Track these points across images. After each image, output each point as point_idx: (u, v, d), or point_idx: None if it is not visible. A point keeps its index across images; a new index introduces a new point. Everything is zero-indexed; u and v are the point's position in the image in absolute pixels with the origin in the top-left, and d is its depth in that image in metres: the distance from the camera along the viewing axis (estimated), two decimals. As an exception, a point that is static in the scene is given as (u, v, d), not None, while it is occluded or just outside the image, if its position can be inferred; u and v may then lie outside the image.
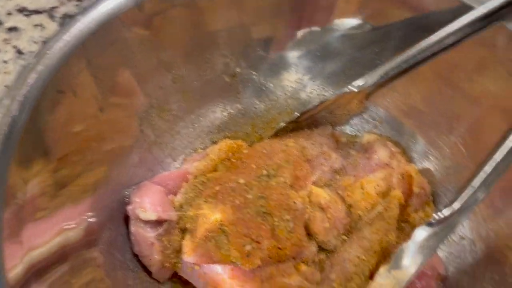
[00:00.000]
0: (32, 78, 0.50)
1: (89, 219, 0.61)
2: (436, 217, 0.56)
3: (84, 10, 0.57)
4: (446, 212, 0.55)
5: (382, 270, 0.60)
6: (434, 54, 0.63)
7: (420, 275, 0.63)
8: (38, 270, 0.51)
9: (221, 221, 0.63)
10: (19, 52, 0.97)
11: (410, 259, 0.59)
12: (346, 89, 0.69)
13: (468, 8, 0.61)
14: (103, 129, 0.62)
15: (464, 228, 0.68)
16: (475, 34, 0.59)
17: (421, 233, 0.58)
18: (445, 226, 0.56)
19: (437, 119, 0.72)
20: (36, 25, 0.98)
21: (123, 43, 0.61)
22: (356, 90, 0.67)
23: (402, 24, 0.70)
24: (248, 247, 0.60)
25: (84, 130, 0.59)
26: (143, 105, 0.69)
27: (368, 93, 0.72)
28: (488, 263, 0.63)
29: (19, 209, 0.48)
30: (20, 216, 0.49)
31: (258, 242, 0.61)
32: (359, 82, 0.68)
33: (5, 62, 0.95)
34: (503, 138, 0.52)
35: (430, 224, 0.57)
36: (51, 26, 0.98)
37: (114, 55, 0.60)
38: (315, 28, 0.76)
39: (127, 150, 0.68)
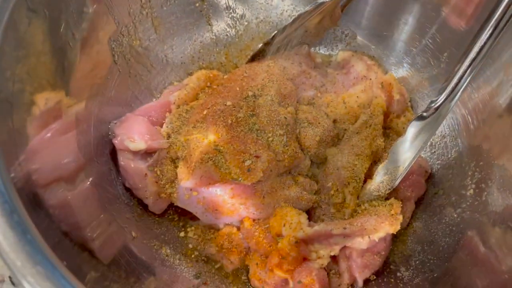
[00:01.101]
0: (-1, -9, 0.44)
1: (76, 156, 0.58)
2: (428, 107, 0.58)
3: None
4: (438, 99, 0.56)
5: (380, 168, 0.62)
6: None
7: (409, 173, 0.65)
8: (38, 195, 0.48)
9: (215, 141, 0.61)
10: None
11: (404, 154, 0.61)
12: None
13: None
14: (77, 57, 0.58)
15: (444, 127, 0.71)
16: None
17: (413, 127, 0.59)
18: (436, 116, 0.58)
19: (408, 26, 0.73)
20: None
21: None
22: (333, -2, 0.67)
23: None
24: (248, 162, 0.59)
25: (58, 55, 0.54)
26: (114, 33, 0.65)
27: (342, 5, 0.72)
28: (472, 153, 0.66)
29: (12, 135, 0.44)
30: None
31: (257, 156, 0.60)
32: (336, -9, 0.67)
33: None
34: (486, 20, 0.53)
35: (421, 117, 0.59)
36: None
37: (80, -27, 0.55)
38: None
39: (103, 81, 0.64)
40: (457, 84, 0.56)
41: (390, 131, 0.74)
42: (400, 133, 0.73)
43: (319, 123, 0.69)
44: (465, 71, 0.55)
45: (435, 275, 0.60)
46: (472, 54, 0.55)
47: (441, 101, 0.57)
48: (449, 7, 0.68)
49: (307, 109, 0.71)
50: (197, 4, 0.75)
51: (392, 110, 0.73)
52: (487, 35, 0.54)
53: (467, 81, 0.55)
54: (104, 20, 0.62)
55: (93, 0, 0.59)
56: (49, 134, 0.52)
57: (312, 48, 0.81)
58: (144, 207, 0.65)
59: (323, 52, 0.82)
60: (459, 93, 0.56)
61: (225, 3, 0.77)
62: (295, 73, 0.74)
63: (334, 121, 0.73)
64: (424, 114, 0.59)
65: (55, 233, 0.47)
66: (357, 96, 0.75)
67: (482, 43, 0.54)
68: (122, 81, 0.68)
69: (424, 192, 0.70)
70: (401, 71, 0.78)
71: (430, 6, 0.70)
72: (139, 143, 0.61)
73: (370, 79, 0.76)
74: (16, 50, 0.47)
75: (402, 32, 0.74)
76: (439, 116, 0.58)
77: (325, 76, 0.78)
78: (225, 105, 0.65)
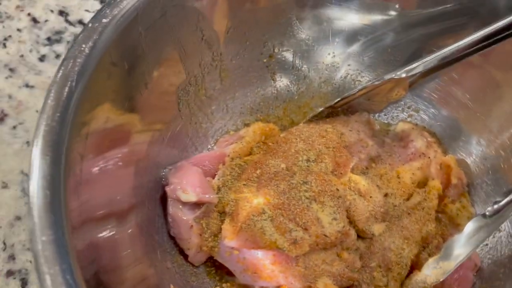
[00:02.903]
0: (88, 47, 0.46)
1: (129, 196, 0.59)
2: (491, 208, 0.55)
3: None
4: (503, 202, 0.54)
5: (431, 261, 0.60)
6: (488, 46, 0.61)
7: (458, 267, 0.63)
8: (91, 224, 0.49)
9: (264, 204, 0.61)
10: (34, 20, 0.93)
11: (458, 250, 0.58)
12: (391, 75, 0.68)
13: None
14: (146, 105, 0.60)
15: (501, 221, 0.68)
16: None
17: (473, 225, 0.57)
18: (497, 218, 0.56)
19: (481, 116, 0.71)
20: (53, -9, 0.93)
21: (172, 16, 0.58)
22: (404, 75, 0.66)
23: (451, 7, 0.68)
24: (295, 233, 0.59)
25: (129, 105, 0.56)
26: (183, 83, 0.66)
27: (411, 81, 0.71)
28: (528, 256, 0.63)
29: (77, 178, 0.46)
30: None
31: (305, 229, 0.59)
32: (406, 68, 0.66)
33: (19, 30, 0.90)
34: None
35: (483, 215, 0.56)
36: (70, -7, 0.94)
37: (162, 28, 0.57)
38: (357, 9, 0.74)
39: (165, 128, 0.66)
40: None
41: (443, 215, 0.71)
42: (453, 220, 0.70)
43: (370, 196, 0.68)
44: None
45: None
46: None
47: (504, 204, 0.54)
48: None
49: (360, 180, 0.70)
50: (265, 60, 0.76)
51: (447, 195, 0.71)
52: None
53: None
54: (175, 70, 0.64)
55: (169, 51, 0.62)
56: (110, 163, 0.54)
57: (372, 114, 0.81)
58: (185, 256, 0.65)
59: (382, 120, 0.81)
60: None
61: (292, 61, 0.78)
62: (352, 141, 0.73)
63: (386, 195, 0.71)
64: (486, 213, 0.56)
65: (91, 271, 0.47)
66: (413, 173, 0.73)
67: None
68: (183, 128, 0.70)
69: (472, 286, 0.66)
70: (462, 154, 0.75)
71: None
72: (190, 195, 0.62)
73: (429, 157, 0.74)
74: (90, 102, 0.49)
75: (475, 122, 0.72)
76: (501, 218, 0.56)
77: (382, 146, 0.77)
78: (280, 167, 0.65)
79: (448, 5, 0.68)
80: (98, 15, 0.49)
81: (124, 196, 0.58)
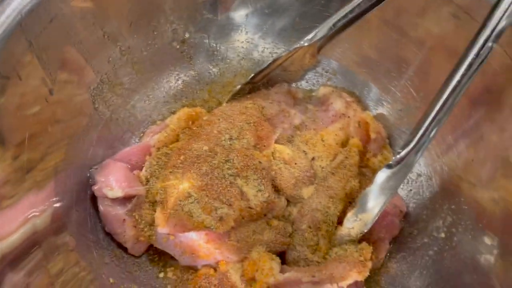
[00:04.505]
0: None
1: (54, 204, 0.60)
2: (394, 158, 0.59)
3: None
4: (402, 152, 0.57)
5: (350, 215, 0.63)
6: (379, 1, 0.64)
7: (383, 214, 0.66)
8: (11, 260, 0.50)
9: (189, 188, 0.63)
10: None
11: (373, 201, 0.62)
12: (296, 45, 0.70)
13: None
14: (55, 111, 0.60)
15: (420, 166, 0.73)
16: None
17: (381, 176, 0.61)
18: (403, 166, 0.60)
19: (386, 65, 0.74)
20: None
21: (63, 18, 0.58)
22: (306, 44, 0.68)
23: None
24: (219, 211, 0.61)
25: (36, 114, 0.57)
26: (93, 82, 0.67)
27: (319, 47, 0.73)
28: (445, 195, 0.67)
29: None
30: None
31: (229, 205, 0.62)
32: (309, 36, 0.68)
33: None
34: (449, 77, 0.55)
35: (389, 166, 0.60)
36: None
37: (55, 32, 0.57)
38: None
39: (83, 129, 0.66)
40: (421, 137, 0.57)
41: (367, 170, 0.75)
42: (376, 172, 0.73)
43: (295, 163, 0.71)
44: (429, 126, 0.56)
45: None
46: (437, 107, 0.56)
47: (405, 154, 0.58)
48: (431, 46, 0.69)
49: (284, 149, 0.72)
50: (178, 46, 0.77)
51: (369, 149, 0.75)
52: (449, 92, 0.55)
53: (432, 136, 0.56)
54: (82, 71, 0.64)
55: (71, 53, 0.62)
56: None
57: (294, 84, 0.83)
58: (124, 249, 0.67)
59: (304, 87, 0.84)
60: (423, 147, 0.57)
61: (206, 43, 0.79)
62: (273, 112, 0.75)
63: (313, 158, 0.74)
64: (391, 163, 0.60)
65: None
66: (335, 134, 0.76)
67: (445, 97, 0.56)
68: (104, 126, 0.70)
69: (400, 230, 0.71)
70: (380, 108, 0.79)
71: (411, 46, 0.71)
72: (116, 191, 0.63)
73: (348, 116, 0.77)
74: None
75: (385, 74, 0.75)
76: (405, 166, 0.59)
77: (305, 112, 0.79)
78: (202, 150, 0.67)
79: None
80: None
81: (47, 214, 0.58)
